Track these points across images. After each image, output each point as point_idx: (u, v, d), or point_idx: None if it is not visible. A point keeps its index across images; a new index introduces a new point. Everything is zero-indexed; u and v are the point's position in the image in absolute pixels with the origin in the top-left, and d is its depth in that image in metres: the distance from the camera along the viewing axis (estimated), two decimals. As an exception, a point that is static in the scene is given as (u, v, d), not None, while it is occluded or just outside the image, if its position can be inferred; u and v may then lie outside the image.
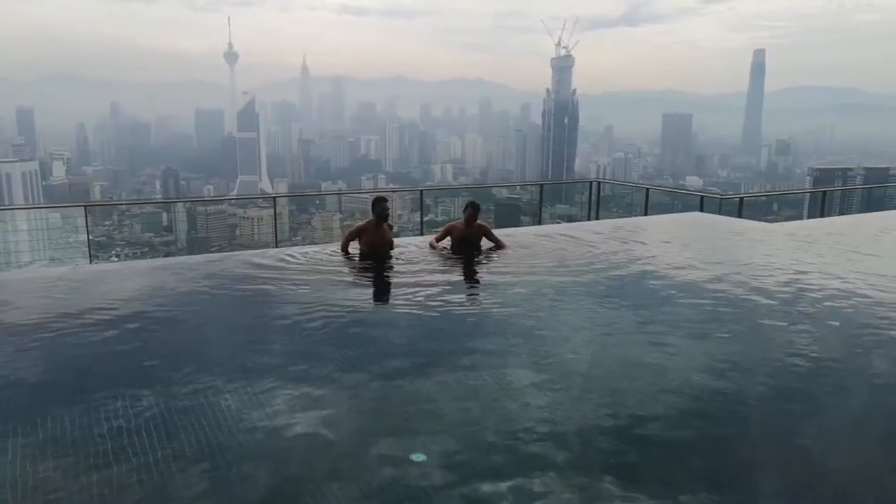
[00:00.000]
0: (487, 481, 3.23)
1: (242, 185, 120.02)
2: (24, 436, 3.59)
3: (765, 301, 6.47)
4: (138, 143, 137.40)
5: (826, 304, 6.40)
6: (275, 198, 12.38)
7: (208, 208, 29.88)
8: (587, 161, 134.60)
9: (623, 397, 4.26)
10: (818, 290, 6.82)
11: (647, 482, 3.26)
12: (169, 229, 30.77)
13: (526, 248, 8.77)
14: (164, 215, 31.67)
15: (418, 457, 3.45)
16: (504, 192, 33.07)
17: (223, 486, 3.18)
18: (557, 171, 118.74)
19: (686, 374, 4.67)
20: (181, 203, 28.77)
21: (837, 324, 5.91)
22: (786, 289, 6.88)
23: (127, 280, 7.44)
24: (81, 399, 4.06)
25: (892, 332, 5.63)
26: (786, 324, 5.89)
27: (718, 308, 6.32)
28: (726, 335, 5.61)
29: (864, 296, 6.66)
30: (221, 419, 3.81)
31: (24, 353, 4.93)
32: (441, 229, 8.88)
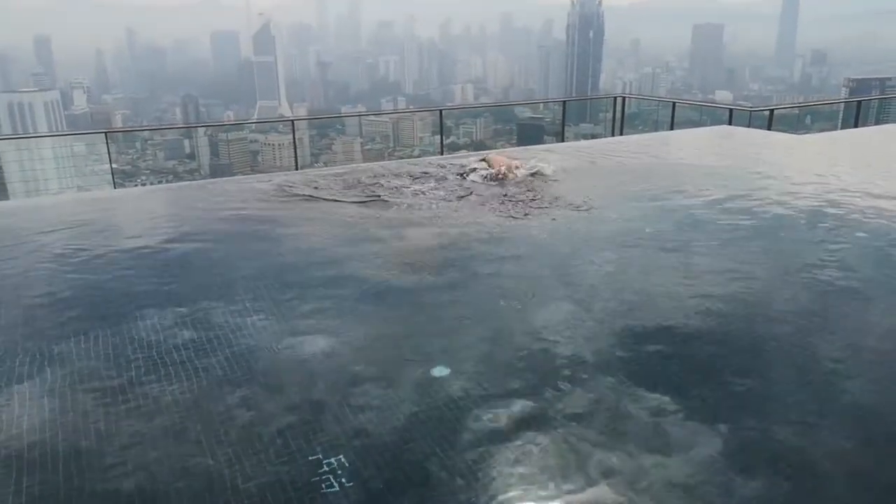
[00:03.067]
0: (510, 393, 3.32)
1: (262, 110, 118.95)
2: (58, 356, 3.76)
3: (788, 212, 6.38)
4: (157, 70, 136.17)
5: (853, 216, 6.29)
6: (293, 122, 12.27)
7: (229, 135, 29.76)
8: (613, 78, 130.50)
9: (645, 306, 4.29)
10: (845, 203, 6.69)
11: (665, 388, 3.33)
12: (191, 156, 30.82)
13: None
14: (186, 143, 31.66)
15: (441, 371, 3.54)
16: (527, 112, 32.30)
17: (255, 400, 3.32)
18: (582, 89, 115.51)
19: (707, 285, 4.68)
20: (202, 130, 28.63)
21: (865, 235, 5.82)
22: (811, 202, 6.76)
23: (160, 203, 7.56)
24: (117, 318, 4.22)
25: (922, 243, 5.54)
26: (811, 235, 5.83)
27: (742, 220, 6.25)
28: (748, 246, 5.57)
29: (890, 209, 6.52)
30: (250, 338, 3.94)
31: (60, 276, 5.08)
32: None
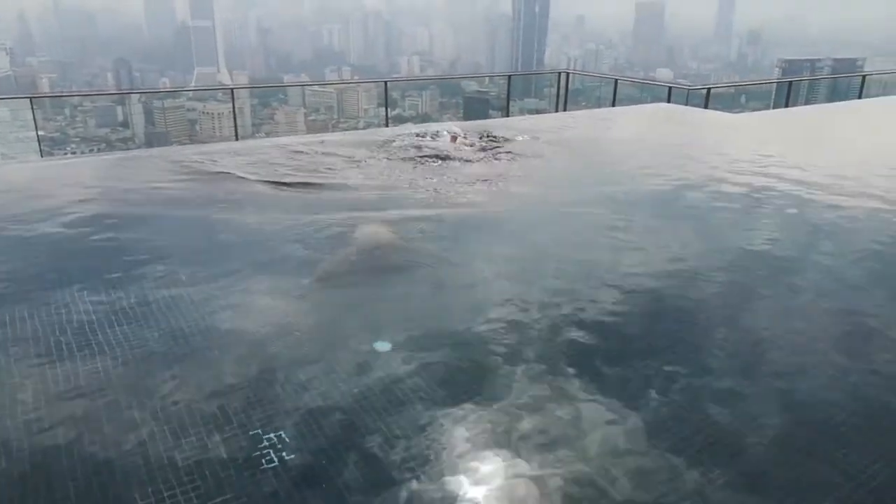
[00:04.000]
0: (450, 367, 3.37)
1: (200, 77, 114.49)
2: (-11, 329, 3.60)
3: (719, 188, 6.62)
4: (86, 33, 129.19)
5: (781, 191, 6.58)
6: (232, 90, 11.88)
7: (165, 102, 28.60)
8: (558, 53, 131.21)
9: (581, 281, 4.41)
10: (774, 179, 6.99)
11: (605, 365, 3.44)
12: (125, 124, 29.51)
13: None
14: (119, 109, 30.26)
15: (383, 345, 3.57)
16: (473, 85, 32.15)
17: (194, 376, 3.26)
18: (527, 64, 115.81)
19: (643, 257, 4.83)
20: (136, 96, 27.43)
21: (795, 211, 6.10)
22: (740, 177, 7.03)
23: (89, 173, 7.23)
24: (45, 295, 4.06)
25: (842, 221, 5.85)
26: (741, 210, 6.07)
27: (674, 197, 6.45)
28: (680, 221, 5.76)
29: (817, 183, 6.85)
30: (188, 312, 3.86)
31: (-18, 250, 4.83)
32: None
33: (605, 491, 2.51)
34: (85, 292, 4.07)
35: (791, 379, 3.38)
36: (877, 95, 16.07)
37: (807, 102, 16.88)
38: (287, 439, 2.75)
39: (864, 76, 16.86)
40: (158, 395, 3.06)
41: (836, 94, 17.55)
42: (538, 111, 18.20)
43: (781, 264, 4.91)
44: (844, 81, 19.57)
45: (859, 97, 15.82)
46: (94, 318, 3.74)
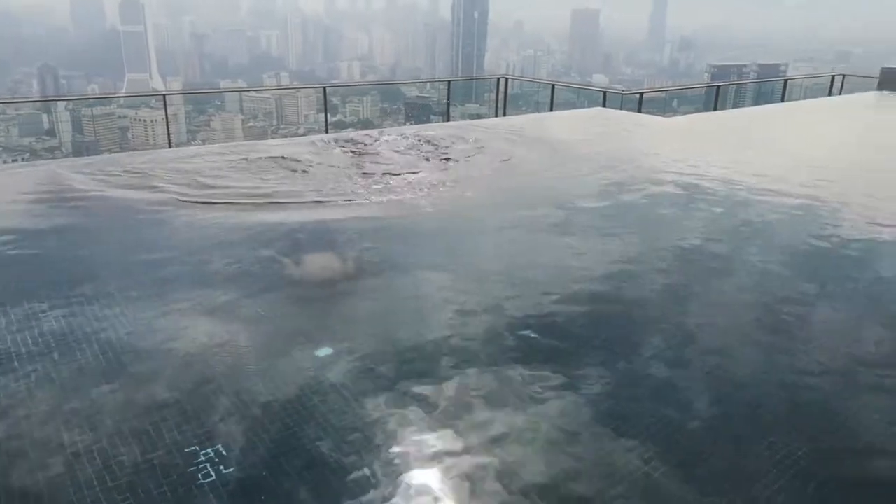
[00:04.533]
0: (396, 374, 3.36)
1: (131, 83, 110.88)
2: None
3: (652, 188, 6.84)
4: (8, 37, 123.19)
5: (710, 189, 6.85)
6: (164, 96, 11.55)
7: (94, 109, 27.54)
8: (497, 58, 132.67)
9: (526, 285, 4.47)
10: (701, 178, 7.26)
11: (553, 362, 3.49)
12: (51, 133, 28.27)
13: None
14: (45, 117, 28.97)
15: (324, 351, 3.53)
16: (414, 91, 32.22)
17: (129, 391, 3.15)
18: (468, 68, 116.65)
19: (583, 260, 4.93)
20: (63, 103, 26.32)
21: (721, 210, 6.34)
22: (671, 177, 7.27)
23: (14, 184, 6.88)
24: (-38, 311, 3.84)
25: (768, 217, 6.12)
26: (671, 210, 6.28)
27: (610, 197, 6.62)
28: (615, 224, 5.92)
29: (743, 183, 7.15)
30: (121, 328, 3.72)
31: None
32: None
33: (547, 474, 2.54)
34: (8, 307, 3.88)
35: (722, 367, 3.51)
36: (798, 98, 16.91)
37: (734, 106, 17.62)
38: (224, 452, 2.68)
39: (786, 80, 17.70)
40: (85, 414, 2.93)
41: (760, 97, 18.37)
42: (479, 116, 18.38)
43: (711, 261, 5.09)
44: (769, 85, 20.52)
45: (782, 100, 16.59)
46: (17, 337, 3.57)
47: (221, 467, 2.59)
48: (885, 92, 15.97)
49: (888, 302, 4.50)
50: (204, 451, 2.68)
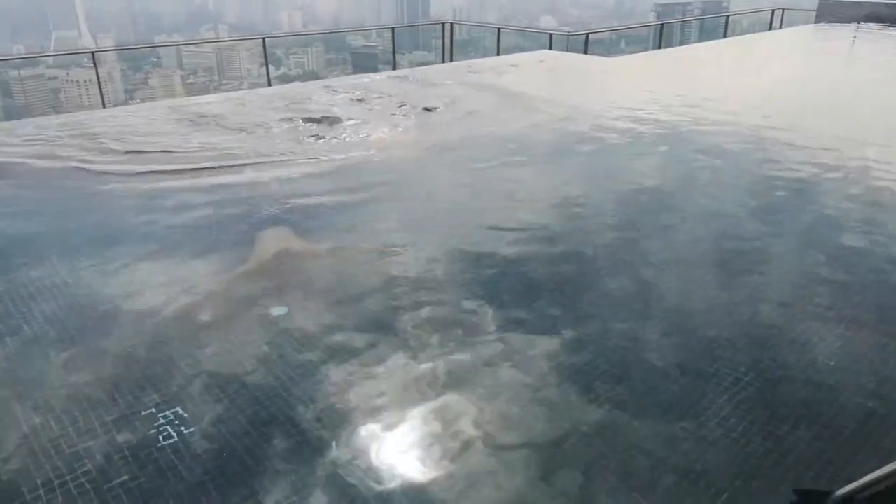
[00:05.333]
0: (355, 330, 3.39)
1: (59, 42, 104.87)
2: None
3: (600, 126, 6.90)
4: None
5: (658, 122, 6.97)
6: (94, 53, 10.96)
7: (22, 71, 26.05)
8: (443, 3, 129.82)
9: (483, 225, 4.51)
10: (650, 113, 7.36)
11: (511, 304, 3.56)
12: (-24, 98, 26.72)
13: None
14: (-32, 83, 27.31)
15: (279, 310, 3.52)
16: (360, 40, 31.34)
17: (84, 361, 3.10)
18: (413, 16, 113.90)
19: (535, 202, 4.98)
20: (-16, 67, 24.84)
21: (666, 148, 6.45)
22: (618, 114, 7.34)
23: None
24: None
25: (714, 148, 6.26)
26: (622, 146, 6.37)
27: (560, 138, 6.66)
28: (567, 161, 5.98)
29: (689, 115, 7.29)
30: (77, 296, 3.64)
31: None
32: None
33: (516, 414, 2.63)
34: (-57, 284, 3.74)
35: (676, 304, 3.64)
36: (740, 34, 17.10)
37: (680, 43, 17.71)
38: (184, 414, 2.68)
39: (727, 17, 17.82)
40: (40, 383, 2.88)
41: (703, 33, 18.51)
42: (427, 63, 18.04)
43: (663, 197, 5.21)
44: (713, 21, 20.64)
45: (724, 36, 16.74)
46: (-44, 310, 3.46)
47: (182, 428, 2.60)
48: (821, 25, 16.27)
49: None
50: (162, 414, 2.68)
